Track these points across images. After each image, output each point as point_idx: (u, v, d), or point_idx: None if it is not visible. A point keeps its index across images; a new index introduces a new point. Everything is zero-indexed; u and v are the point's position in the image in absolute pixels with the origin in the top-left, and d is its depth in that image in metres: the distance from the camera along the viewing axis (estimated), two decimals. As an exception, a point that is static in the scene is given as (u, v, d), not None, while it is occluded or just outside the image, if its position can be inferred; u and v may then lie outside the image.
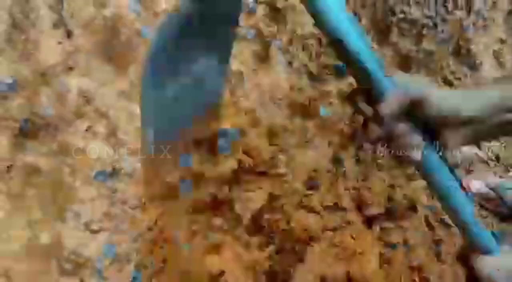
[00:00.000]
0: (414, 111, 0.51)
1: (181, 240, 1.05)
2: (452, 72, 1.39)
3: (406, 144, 0.52)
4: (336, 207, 1.24)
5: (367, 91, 0.52)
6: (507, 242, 0.57)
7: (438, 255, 1.27)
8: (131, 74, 0.97)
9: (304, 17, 1.12)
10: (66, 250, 0.93)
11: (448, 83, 1.41)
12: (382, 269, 1.14)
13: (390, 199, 1.26)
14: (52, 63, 0.87)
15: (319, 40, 1.15)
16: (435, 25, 1.21)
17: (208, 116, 0.66)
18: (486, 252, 0.57)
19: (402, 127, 0.51)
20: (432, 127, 0.52)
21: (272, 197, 1.18)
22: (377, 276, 1.13)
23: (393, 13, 1.16)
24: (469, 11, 1.29)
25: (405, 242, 1.25)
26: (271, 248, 1.14)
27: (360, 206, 1.26)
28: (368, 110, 0.52)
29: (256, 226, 1.15)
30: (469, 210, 0.56)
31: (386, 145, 0.54)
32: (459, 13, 1.26)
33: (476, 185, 1.46)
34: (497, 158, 1.58)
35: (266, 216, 1.16)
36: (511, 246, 0.57)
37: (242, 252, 1.11)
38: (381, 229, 1.24)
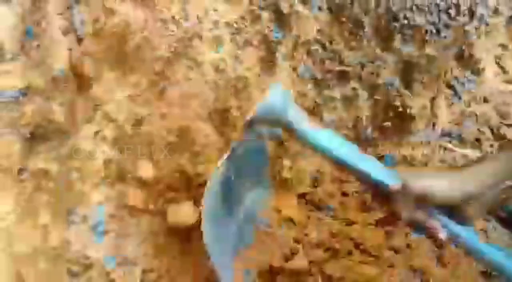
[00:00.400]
0: (423, 202, 0.55)
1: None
2: (455, 78, 1.40)
3: (429, 227, 0.56)
4: (339, 211, 1.25)
5: (376, 192, 0.59)
6: None
7: (440, 259, 1.28)
8: (139, 80, 0.99)
9: (309, 23, 1.14)
10: (74, 252, 0.95)
11: (451, 89, 1.42)
12: (385, 272, 1.15)
13: (393, 203, 1.27)
14: (62, 69, 0.89)
15: (324, 46, 1.16)
16: (438, 31, 1.22)
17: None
18: None
19: (420, 215, 0.55)
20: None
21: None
22: (379, 278, 1.14)
23: (396, 20, 1.18)
24: (471, 17, 1.31)
25: (408, 246, 1.26)
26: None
27: (363, 209, 1.27)
28: (383, 211, 0.59)
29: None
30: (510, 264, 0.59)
31: (415, 230, 0.59)
32: (462, 19, 1.27)
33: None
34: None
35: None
36: None
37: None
38: (384, 232, 1.24)
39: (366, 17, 1.16)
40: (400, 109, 1.23)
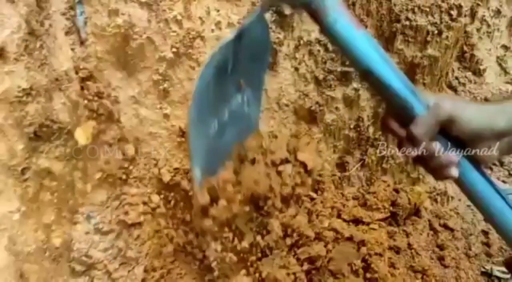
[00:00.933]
0: (446, 131, 0.52)
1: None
2: (457, 78, 1.41)
3: (442, 162, 0.53)
4: (342, 211, 1.26)
5: (397, 115, 0.54)
6: None
7: (441, 259, 1.28)
8: (142, 80, 0.99)
9: (311, 24, 1.14)
10: (77, 251, 0.95)
11: (453, 89, 1.42)
12: (387, 272, 1.15)
13: (394, 203, 1.28)
14: (65, 69, 0.89)
15: (325, 47, 1.17)
16: (440, 32, 1.22)
17: (243, 142, 0.72)
18: None
19: (436, 146, 0.52)
20: (466, 144, 0.53)
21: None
22: (381, 279, 1.15)
23: (398, 21, 1.18)
24: (473, 18, 1.31)
25: (409, 246, 1.26)
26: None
27: (364, 210, 1.27)
28: (402, 132, 0.53)
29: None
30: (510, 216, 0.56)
31: (423, 163, 0.55)
32: (463, 20, 1.27)
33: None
34: (501, 163, 1.59)
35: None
36: None
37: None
38: (386, 233, 1.25)
39: (368, 18, 1.17)
40: (402, 110, 1.23)
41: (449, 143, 0.53)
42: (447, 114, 0.51)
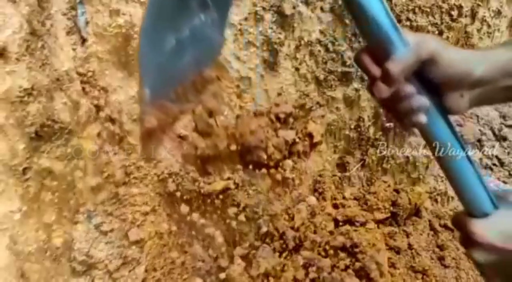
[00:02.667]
0: (423, 72, 0.49)
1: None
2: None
3: (412, 106, 0.50)
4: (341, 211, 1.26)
5: (375, 50, 0.50)
6: (503, 204, 0.56)
7: (442, 259, 1.28)
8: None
9: (311, 24, 1.14)
10: (78, 251, 0.95)
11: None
12: (387, 272, 1.15)
13: (394, 203, 1.28)
14: (66, 69, 0.89)
15: (326, 47, 1.17)
16: (441, 32, 1.22)
17: (203, 70, 0.64)
18: (482, 215, 0.56)
19: (409, 88, 0.50)
20: (439, 91, 0.51)
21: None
22: (382, 279, 1.14)
23: (399, 21, 1.18)
24: (473, 18, 1.31)
25: (410, 246, 1.26)
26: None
27: (365, 210, 1.27)
28: (376, 70, 0.50)
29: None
30: (472, 172, 0.55)
31: (391, 107, 0.52)
32: (464, 20, 1.27)
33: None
34: (501, 163, 1.59)
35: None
36: (506, 208, 0.56)
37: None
38: (386, 233, 1.25)
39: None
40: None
41: (421, 87, 0.50)
42: (429, 53, 0.48)
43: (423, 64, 0.49)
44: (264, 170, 1.14)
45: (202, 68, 0.63)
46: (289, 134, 1.15)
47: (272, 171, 1.16)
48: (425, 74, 0.50)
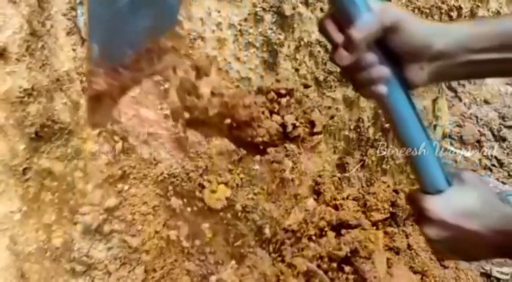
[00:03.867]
0: (385, 40, 0.49)
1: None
2: (456, 80, 1.41)
3: (372, 76, 0.50)
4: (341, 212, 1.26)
5: (339, 17, 0.49)
6: (457, 181, 0.57)
7: (441, 260, 1.29)
8: (143, 81, 0.99)
9: (311, 25, 1.14)
10: (78, 252, 0.95)
11: (452, 90, 1.42)
12: (387, 273, 1.15)
13: (394, 204, 1.28)
14: (66, 70, 0.89)
15: (326, 48, 1.17)
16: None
17: (159, 38, 0.60)
18: (436, 192, 0.56)
19: (371, 57, 0.49)
20: (400, 61, 0.50)
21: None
22: (381, 279, 1.15)
23: (398, 22, 1.18)
24: (473, 19, 1.31)
25: (409, 247, 1.26)
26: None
27: (364, 211, 1.27)
28: (339, 36, 0.49)
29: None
30: (428, 148, 0.55)
31: (352, 76, 0.52)
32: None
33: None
34: (500, 164, 1.59)
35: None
36: (459, 185, 0.56)
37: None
38: (385, 233, 1.25)
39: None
40: (402, 110, 1.23)
41: (383, 57, 0.50)
42: (393, 21, 0.48)
43: (386, 32, 0.48)
44: (255, 154, 1.10)
45: (157, 35, 0.59)
46: (289, 118, 1.11)
47: (266, 157, 1.12)
48: (387, 44, 0.49)
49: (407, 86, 0.52)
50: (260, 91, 1.11)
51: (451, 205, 0.55)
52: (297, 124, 1.14)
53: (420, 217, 0.57)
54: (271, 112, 1.11)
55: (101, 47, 0.50)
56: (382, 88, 0.50)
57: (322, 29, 0.51)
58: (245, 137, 1.07)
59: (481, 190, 0.57)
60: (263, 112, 1.08)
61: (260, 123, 1.07)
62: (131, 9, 0.53)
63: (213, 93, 1.01)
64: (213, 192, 1.11)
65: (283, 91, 1.10)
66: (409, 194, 0.60)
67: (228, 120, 1.04)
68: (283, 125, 1.12)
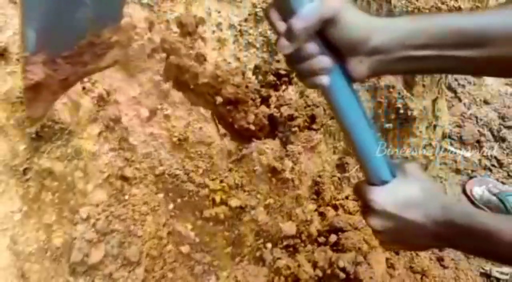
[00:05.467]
0: (325, 32, 0.49)
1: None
2: (456, 80, 1.41)
3: (313, 67, 0.50)
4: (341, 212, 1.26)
5: (282, 6, 0.49)
6: (400, 173, 0.58)
7: (441, 260, 1.29)
8: (143, 81, 1.00)
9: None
10: (78, 251, 0.95)
11: (452, 91, 1.42)
12: (387, 273, 1.15)
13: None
14: (67, 70, 0.90)
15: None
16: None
17: (101, 31, 0.57)
18: (381, 183, 0.57)
19: (312, 47, 0.49)
20: (341, 52, 0.50)
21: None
22: (381, 280, 1.15)
23: (398, 22, 1.18)
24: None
25: (409, 247, 1.27)
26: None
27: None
28: (281, 25, 0.49)
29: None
30: (371, 140, 0.56)
31: (294, 66, 0.51)
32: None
33: (478, 190, 1.47)
34: (500, 164, 1.60)
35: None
36: (403, 176, 0.57)
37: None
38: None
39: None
40: (402, 111, 1.24)
41: (325, 48, 0.50)
42: (332, 14, 0.47)
43: (325, 24, 0.48)
44: (238, 140, 1.07)
45: (99, 28, 0.57)
46: (285, 110, 1.07)
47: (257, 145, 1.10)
48: (327, 36, 0.49)
49: (350, 78, 0.52)
50: (257, 72, 1.07)
51: (393, 195, 0.56)
52: (296, 115, 1.11)
53: (365, 208, 0.58)
54: (263, 99, 1.07)
55: (37, 34, 0.47)
56: (323, 79, 0.51)
57: (267, 17, 0.51)
58: (228, 118, 1.04)
59: (423, 181, 0.58)
60: (253, 99, 1.04)
61: (246, 108, 1.02)
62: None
63: (206, 60, 0.98)
64: (213, 192, 1.11)
65: (282, 72, 1.05)
66: (356, 185, 0.61)
67: (216, 96, 1.01)
68: (272, 117, 1.08)
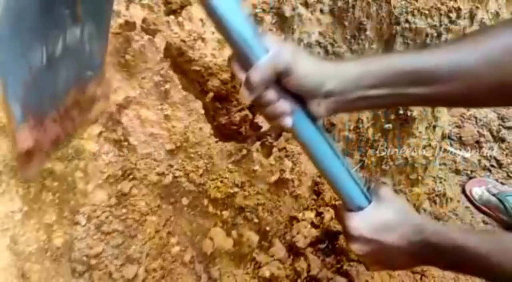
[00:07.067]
0: (281, 81, 0.52)
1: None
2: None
3: (275, 111, 0.53)
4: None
5: (239, 56, 0.52)
6: (375, 198, 0.61)
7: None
8: (143, 81, 1.00)
9: (311, 26, 1.15)
10: (78, 251, 0.96)
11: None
12: (386, 274, 1.16)
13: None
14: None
15: (325, 49, 1.17)
16: (439, 34, 1.23)
17: (85, 87, 0.59)
18: (357, 209, 0.60)
19: (271, 94, 0.52)
20: (300, 96, 0.54)
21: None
22: (381, 280, 1.15)
23: (398, 23, 1.18)
24: (472, 21, 1.32)
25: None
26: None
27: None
28: (242, 76, 0.52)
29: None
30: (341, 171, 0.58)
31: (259, 110, 0.55)
32: (463, 23, 1.28)
33: (477, 191, 1.47)
34: (499, 164, 1.60)
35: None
36: (377, 201, 0.60)
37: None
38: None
39: (368, 20, 1.17)
40: (401, 111, 1.24)
41: (284, 94, 0.53)
42: (284, 65, 0.50)
43: (280, 75, 0.51)
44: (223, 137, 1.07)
45: (82, 84, 0.58)
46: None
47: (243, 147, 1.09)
48: (284, 83, 0.52)
49: (312, 116, 0.56)
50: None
51: (369, 221, 0.59)
52: None
53: (345, 233, 0.61)
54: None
55: (22, 104, 0.48)
56: (286, 121, 0.54)
57: (230, 67, 0.54)
58: (211, 112, 1.05)
59: (396, 204, 0.61)
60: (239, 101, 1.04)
61: (228, 107, 1.03)
62: (50, 64, 0.52)
63: (200, 49, 0.99)
64: (213, 192, 1.12)
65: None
66: (335, 210, 0.67)
67: (204, 88, 1.01)
68: (254, 124, 1.08)
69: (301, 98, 0.54)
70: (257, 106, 0.54)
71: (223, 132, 1.08)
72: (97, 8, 0.58)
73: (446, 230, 0.57)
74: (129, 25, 0.94)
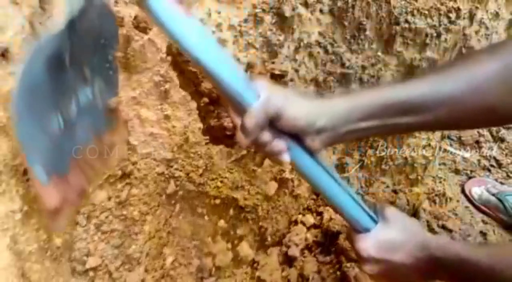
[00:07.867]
0: (274, 123, 0.55)
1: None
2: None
3: (273, 150, 0.56)
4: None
5: (232, 103, 0.55)
6: (381, 218, 0.63)
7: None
8: (143, 81, 1.00)
9: (311, 26, 1.15)
10: (78, 251, 0.96)
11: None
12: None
13: (393, 204, 1.28)
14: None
15: (325, 49, 1.17)
16: (439, 34, 1.23)
17: (103, 137, 0.63)
18: (365, 231, 0.63)
19: (266, 136, 0.55)
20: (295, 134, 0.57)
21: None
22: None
23: (397, 23, 1.19)
24: (471, 21, 1.32)
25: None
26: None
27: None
28: (238, 121, 0.55)
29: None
30: (344, 197, 0.61)
31: (258, 150, 0.58)
32: (462, 23, 1.28)
33: (477, 190, 1.47)
34: (499, 164, 1.60)
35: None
36: (383, 222, 0.63)
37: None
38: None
39: (368, 21, 1.17)
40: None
41: (279, 133, 0.56)
42: (275, 110, 0.53)
43: (271, 119, 0.54)
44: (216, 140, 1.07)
45: (99, 136, 0.62)
46: None
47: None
48: (277, 125, 0.55)
49: (310, 150, 0.59)
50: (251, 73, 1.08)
51: (376, 241, 0.62)
52: None
53: (356, 255, 0.64)
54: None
55: (44, 166, 0.51)
56: (284, 158, 0.57)
57: (228, 112, 0.57)
58: (203, 114, 1.05)
59: (401, 223, 0.64)
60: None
61: (219, 111, 1.04)
62: (67, 126, 0.56)
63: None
64: (213, 192, 1.12)
65: (277, 72, 1.07)
66: (347, 234, 0.67)
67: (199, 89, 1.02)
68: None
69: (296, 135, 0.57)
70: (255, 147, 0.57)
71: (213, 135, 1.08)
72: (103, 63, 0.62)
73: (450, 245, 0.60)
74: (129, 25, 0.94)
